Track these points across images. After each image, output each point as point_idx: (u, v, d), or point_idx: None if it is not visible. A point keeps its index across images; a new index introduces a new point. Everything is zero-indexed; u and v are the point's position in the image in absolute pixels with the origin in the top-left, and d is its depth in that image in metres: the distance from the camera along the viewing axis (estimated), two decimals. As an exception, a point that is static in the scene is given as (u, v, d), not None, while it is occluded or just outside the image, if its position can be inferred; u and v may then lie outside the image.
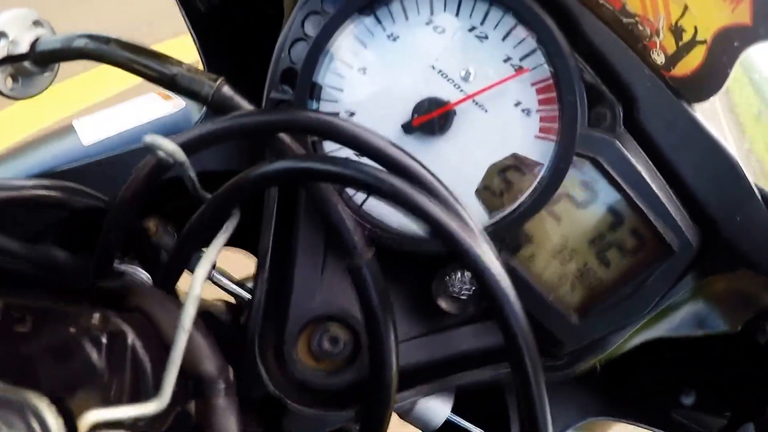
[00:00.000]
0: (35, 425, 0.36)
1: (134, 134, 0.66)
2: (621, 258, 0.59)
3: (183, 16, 0.61)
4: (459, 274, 0.58)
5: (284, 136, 0.52)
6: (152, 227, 0.63)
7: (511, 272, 0.57)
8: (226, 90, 0.52)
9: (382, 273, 0.51)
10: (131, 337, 0.43)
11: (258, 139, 0.54)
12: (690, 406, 0.72)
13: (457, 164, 0.57)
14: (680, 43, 0.54)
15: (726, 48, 0.53)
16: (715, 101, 0.59)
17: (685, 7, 0.52)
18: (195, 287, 0.44)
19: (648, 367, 0.73)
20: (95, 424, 0.38)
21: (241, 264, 0.71)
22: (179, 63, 0.52)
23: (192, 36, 0.62)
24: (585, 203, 0.58)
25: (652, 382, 0.74)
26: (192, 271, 0.47)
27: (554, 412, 0.46)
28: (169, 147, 0.47)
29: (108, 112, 0.70)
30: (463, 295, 0.59)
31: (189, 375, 0.45)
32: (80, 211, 0.54)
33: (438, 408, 0.68)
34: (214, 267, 0.63)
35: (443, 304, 0.59)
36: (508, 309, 0.45)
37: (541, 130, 0.56)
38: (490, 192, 0.57)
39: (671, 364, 0.73)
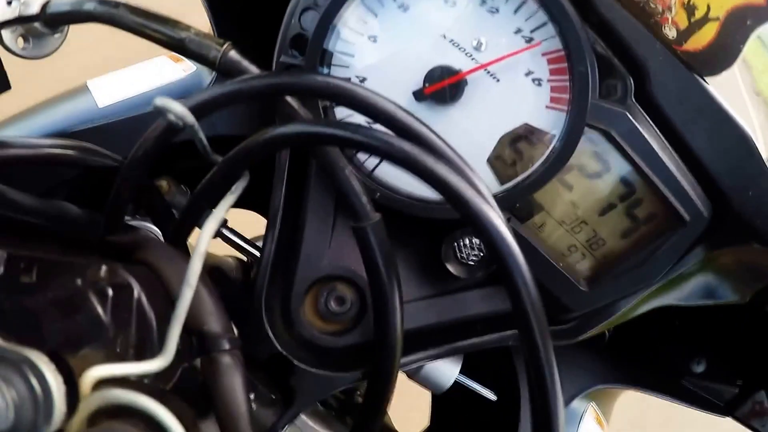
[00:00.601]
0: (34, 382, 0.35)
1: (148, 97, 0.65)
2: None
3: None
4: (468, 240, 0.58)
5: (292, 101, 0.51)
6: (165, 186, 0.64)
7: (521, 239, 0.56)
8: (233, 54, 0.52)
9: (391, 236, 0.51)
10: (137, 291, 0.41)
11: (268, 102, 0.54)
12: (701, 374, 0.72)
13: (469, 133, 0.56)
14: (692, 20, 0.53)
15: (739, 26, 0.53)
16: (737, 77, 0.58)
17: (698, -15, 0.52)
18: (201, 244, 0.43)
19: (658, 335, 0.73)
20: (99, 380, 0.37)
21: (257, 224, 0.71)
22: (188, 27, 0.52)
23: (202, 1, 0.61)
24: (597, 174, 0.58)
25: (662, 350, 0.74)
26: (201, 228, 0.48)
27: (564, 378, 0.46)
28: (179, 110, 0.47)
29: (121, 74, 0.69)
30: (471, 260, 0.59)
31: (193, 332, 0.44)
32: (94, 170, 0.54)
33: (446, 369, 0.68)
34: (225, 225, 0.63)
35: (452, 268, 0.59)
36: (517, 273, 0.44)
37: (552, 100, 0.56)
38: (501, 161, 0.57)
39: (681, 332, 0.73)
